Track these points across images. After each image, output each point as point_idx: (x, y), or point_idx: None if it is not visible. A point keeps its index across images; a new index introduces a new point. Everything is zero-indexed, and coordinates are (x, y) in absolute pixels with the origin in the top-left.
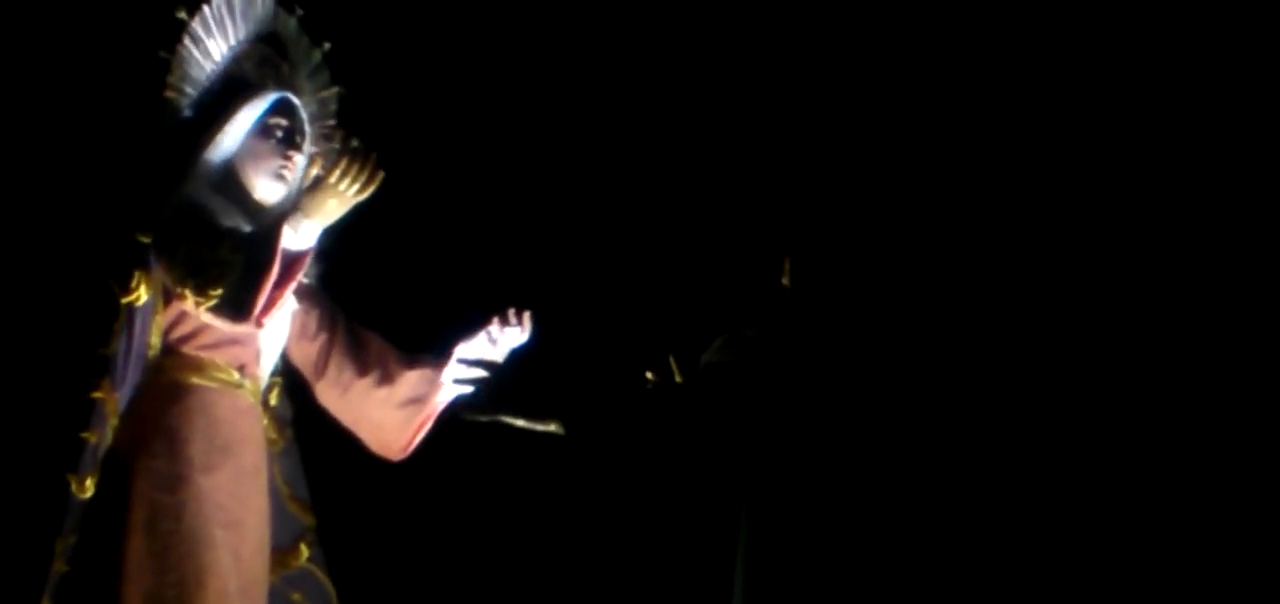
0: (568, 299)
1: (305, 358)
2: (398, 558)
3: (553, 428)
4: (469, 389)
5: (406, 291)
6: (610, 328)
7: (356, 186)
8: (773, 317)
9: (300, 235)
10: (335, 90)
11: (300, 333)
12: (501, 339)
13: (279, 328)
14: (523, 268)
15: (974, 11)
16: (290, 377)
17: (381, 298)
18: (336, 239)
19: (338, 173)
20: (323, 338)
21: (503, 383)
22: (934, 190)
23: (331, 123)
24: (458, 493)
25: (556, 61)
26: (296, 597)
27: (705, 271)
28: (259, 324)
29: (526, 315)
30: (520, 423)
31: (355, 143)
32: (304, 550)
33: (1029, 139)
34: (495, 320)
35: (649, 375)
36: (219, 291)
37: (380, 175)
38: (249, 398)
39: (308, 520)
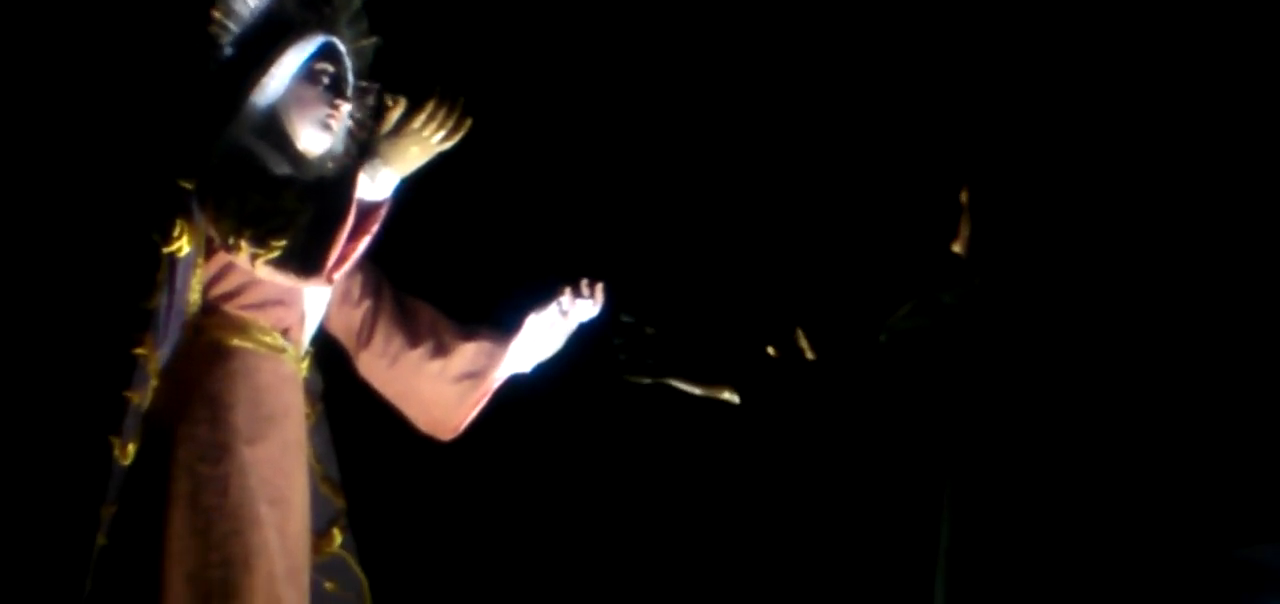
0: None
1: (347, 325)
2: (431, 548)
3: (726, 395)
4: (536, 366)
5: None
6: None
7: (443, 134)
8: (969, 280)
9: (376, 185)
10: (374, 40)
11: (342, 298)
12: (572, 311)
13: (321, 292)
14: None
15: None
16: (322, 347)
17: (425, 266)
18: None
19: (423, 117)
20: (367, 304)
21: (667, 345)
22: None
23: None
24: (505, 476)
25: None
26: (329, 585)
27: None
28: (329, 280)
29: (598, 287)
30: (688, 388)
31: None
32: (337, 535)
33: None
34: (566, 291)
35: (770, 349)
36: (282, 244)
37: (468, 123)
38: (291, 364)
39: (339, 503)
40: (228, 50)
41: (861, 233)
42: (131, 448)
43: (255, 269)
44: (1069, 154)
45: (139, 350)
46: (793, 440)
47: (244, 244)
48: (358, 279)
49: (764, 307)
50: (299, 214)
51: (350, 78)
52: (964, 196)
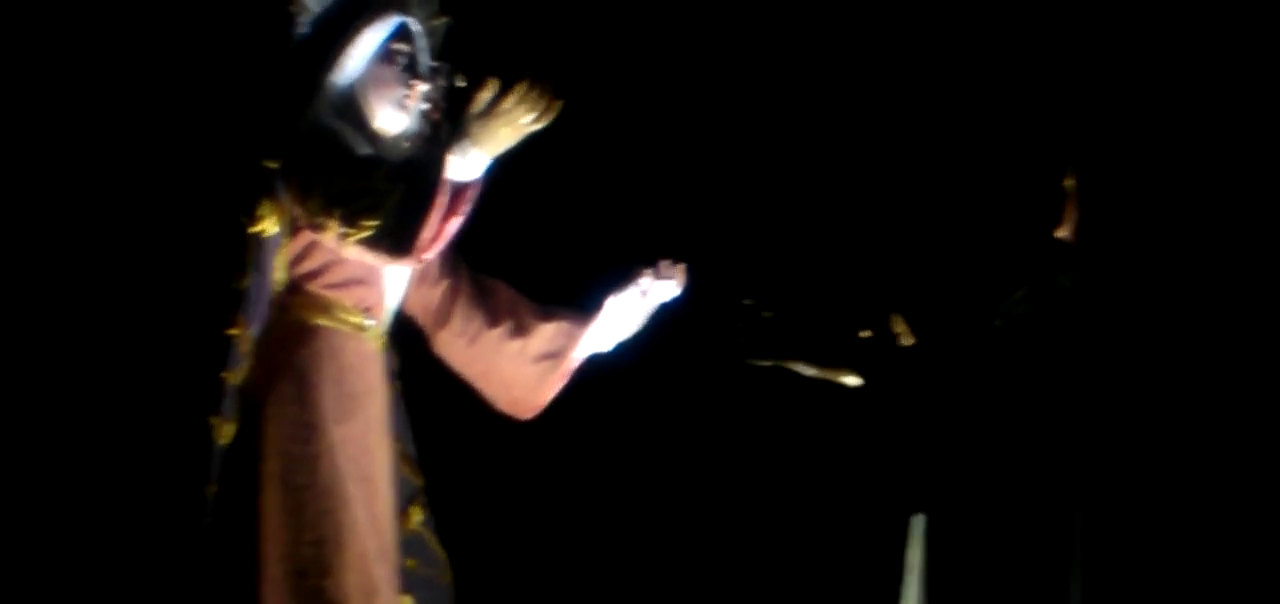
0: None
1: (425, 305)
2: (509, 525)
3: (845, 378)
4: (615, 345)
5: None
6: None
7: (534, 115)
8: (1089, 264)
9: (466, 165)
10: (445, 20)
11: (421, 278)
12: (653, 292)
13: (401, 272)
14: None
15: None
16: (396, 326)
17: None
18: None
19: (514, 99)
20: (446, 284)
21: (786, 328)
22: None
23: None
24: (582, 453)
25: None
26: (410, 563)
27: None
28: (419, 260)
29: (680, 268)
30: (810, 372)
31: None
32: (415, 513)
33: None
34: (647, 272)
35: (863, 333)
36: (374, 223)
37: (559, 105)
38: (373, 343)
39: (417, 481)
40: (307, 29)
41: (967, 217)
42: (229, 429)
43: (344, 249)
44: (1179, 139)
45: (233, 331)
46: (908, 425)
47: (333, 223)
48: (436, 259)
49: (878, 290)
50: (390, 194)
51: (424, 59)
52: (1069, 182)
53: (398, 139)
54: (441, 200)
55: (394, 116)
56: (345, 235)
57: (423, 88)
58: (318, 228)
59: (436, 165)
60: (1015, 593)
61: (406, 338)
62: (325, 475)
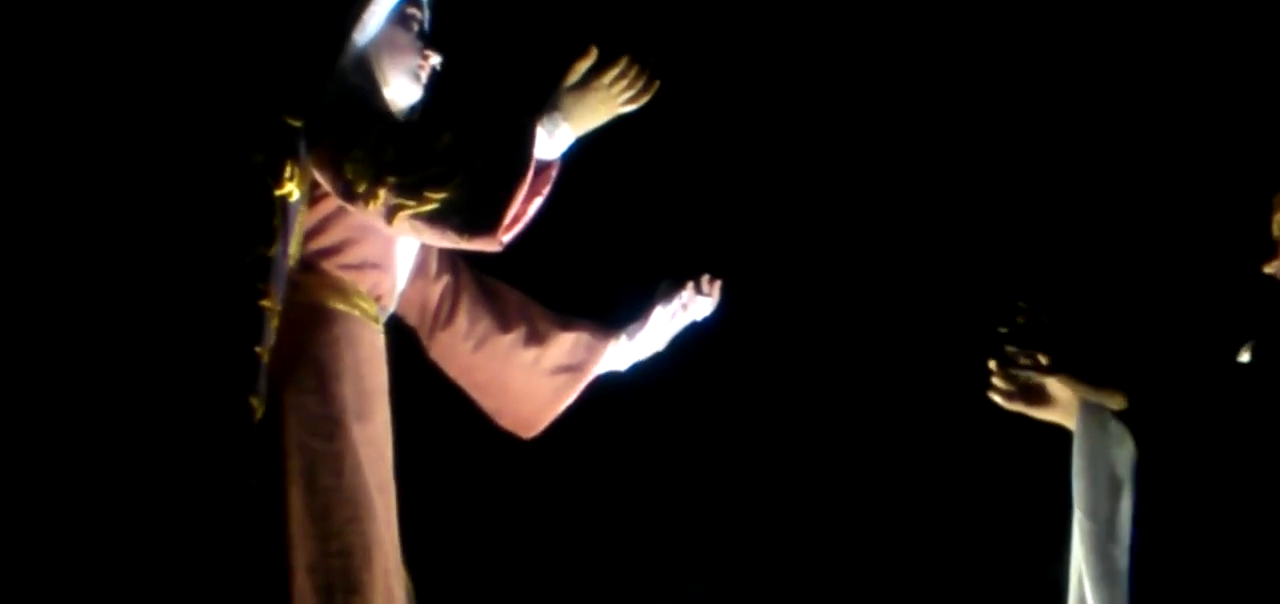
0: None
1: (423, 301)
2: (473, 546)
3: (1112, 401)
4: (633, 366)
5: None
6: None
7: (632, 94)
8: None
9: (554, 141)
10: None
11: (418, 269)
12: (692, 307)
13: (407, 259)
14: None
15: None
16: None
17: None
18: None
19: (614, 73)
20: (447, 279)
21: (1060, 337)
22: None
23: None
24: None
25: None
26: None
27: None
28: (499, 242)
29: (717, 284)
30: (1072, 386)
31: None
32: None
33: None
34: (688, 285)
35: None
36: (441, 196)
37: (656, 85)
38: (381, 336)
39: None
40: None
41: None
42: (261, 410)
43: (391, 224)
44: None
45: (265, 303)
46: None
47: (383, 194)
48: (433, 251)
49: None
50: (463, 164)
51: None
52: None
53: (405, 113)
54: (530, 175)
55: (407, 87)
56: (397, 208)
57: (436, 59)
58: (355, 198)
59: (525, 136)
60: None
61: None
62: (349, 478)
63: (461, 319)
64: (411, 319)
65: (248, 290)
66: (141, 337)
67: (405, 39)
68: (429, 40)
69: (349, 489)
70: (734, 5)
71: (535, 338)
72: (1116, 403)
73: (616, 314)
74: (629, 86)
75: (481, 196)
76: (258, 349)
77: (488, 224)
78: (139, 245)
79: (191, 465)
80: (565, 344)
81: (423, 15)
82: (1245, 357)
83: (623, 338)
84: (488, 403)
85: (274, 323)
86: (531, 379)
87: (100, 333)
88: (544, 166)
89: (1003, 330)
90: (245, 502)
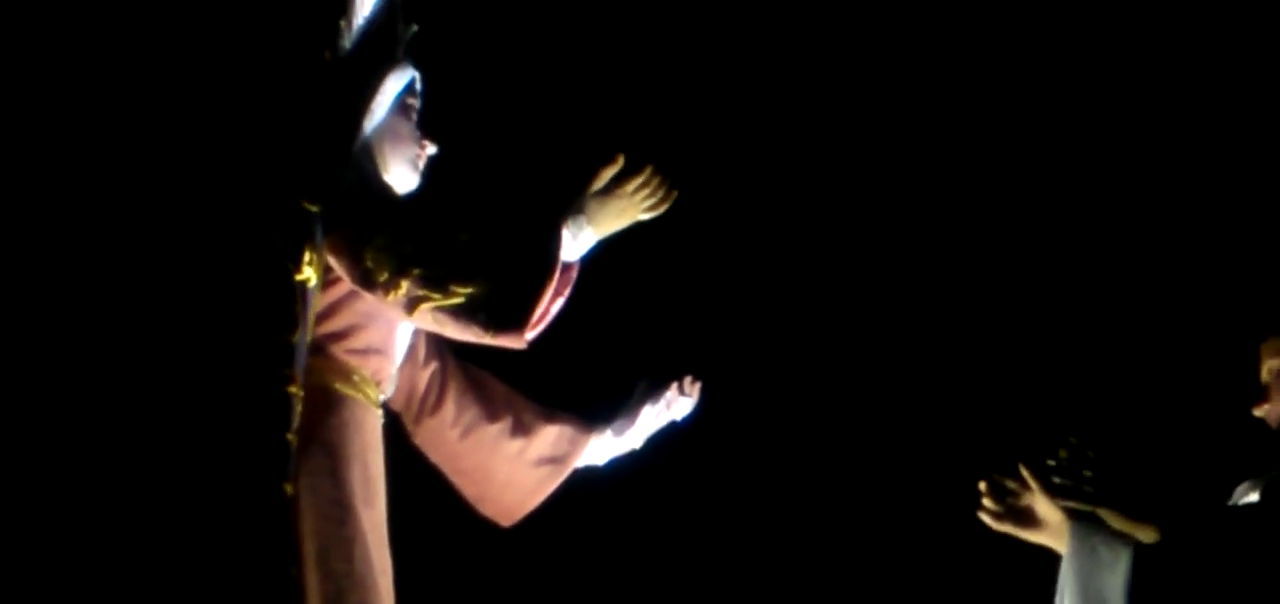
0: None
1: (411, 386)
2: None
3: (1144, 534)
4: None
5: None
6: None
7: (653, 202)
8: None
9: (577, 243)
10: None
11: (407, 355)
12: (674, 406)
13: (403, 345)
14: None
15: None
16: None
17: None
18: None
19: (639, 181)
20: (435, 366)
21: (1107, 473)
22: None
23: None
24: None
25: None
26: None
27: None
28: (526, 341)
29: (698, 386)
30: (1111, 518)
31: None
32: None
33: None
34: (673, 386)
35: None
36: (468, 291)
37: (674, 195)
38: (381, 421)
39: None
40: (345, 58)
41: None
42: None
43: (411, 314)
44: None
45: (292, 389)
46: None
47: (406, 284)
48: (422, 337)
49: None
50: (491, 259)
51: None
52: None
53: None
54: (557, 274)
55: (406, 176)
56: (421, 299)
57: (432, 148)
58: (374, 286)
59: (554, 237)
60: None
61: None
62: (360, 565)
63: (449, 406)
64: (397, 404)
65: (275, 376)
66: (174, 424)
67: (405, 128)
68: (424, 129)
69: (360, 574)
70: (714, 112)
71: (521, 429)
72: (1149, 536)
73: (584, 409)
74: (651, 195)
75: (510, 293)
76: (289, 436)
77: (516, 321)
78: (166, 331)
79: (229, 552)
80: (549, 436)
81: (418, 105)
82: (1251, 497)
83: (607, 433)
84: (470, 490)
85: (299, 407)
86: (515, 469)
87: (133, 422)
88: (566, 267)
89: (1050, 464)
90: (280, 589)
